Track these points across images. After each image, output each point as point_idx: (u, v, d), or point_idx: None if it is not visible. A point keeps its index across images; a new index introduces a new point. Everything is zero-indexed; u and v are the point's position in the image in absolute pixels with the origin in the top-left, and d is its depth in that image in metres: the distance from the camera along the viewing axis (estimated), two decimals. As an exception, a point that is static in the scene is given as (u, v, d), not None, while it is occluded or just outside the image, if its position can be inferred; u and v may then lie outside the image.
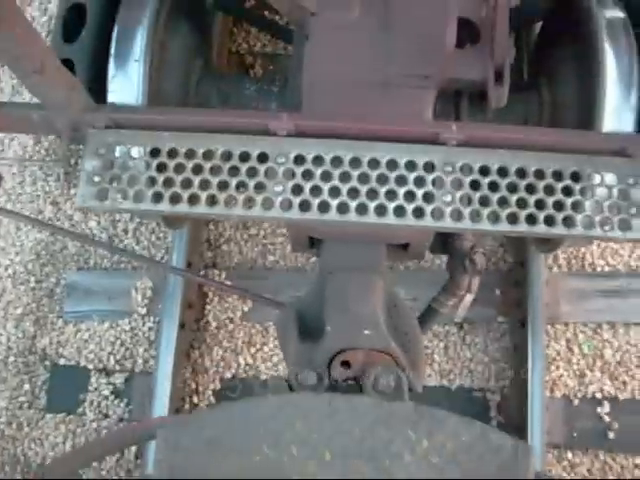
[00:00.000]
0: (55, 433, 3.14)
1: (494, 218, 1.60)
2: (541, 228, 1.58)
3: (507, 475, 1.19)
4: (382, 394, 1.48)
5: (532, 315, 3.00)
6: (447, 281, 1.99)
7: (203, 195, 1.61)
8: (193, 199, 1.62)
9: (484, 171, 1.62)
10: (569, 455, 3.02)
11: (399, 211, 1.60)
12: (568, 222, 1.59)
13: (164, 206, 1.61)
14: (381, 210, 1.60)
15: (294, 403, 1.25)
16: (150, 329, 3.23)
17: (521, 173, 1.62)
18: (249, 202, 1.61)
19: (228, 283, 3.19)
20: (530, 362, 2.95)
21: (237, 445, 1.21)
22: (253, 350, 3.21)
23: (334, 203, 1.60)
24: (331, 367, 1.57)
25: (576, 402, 3.04)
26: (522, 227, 1.59)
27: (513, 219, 1.59)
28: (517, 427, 2.98)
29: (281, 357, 3.18)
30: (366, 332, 1.59)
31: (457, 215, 1.60)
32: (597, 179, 1.62)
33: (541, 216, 1.59)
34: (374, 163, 1.62)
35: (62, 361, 3.23)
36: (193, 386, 3.18)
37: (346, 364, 1.57)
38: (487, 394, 3.12)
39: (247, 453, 1.21)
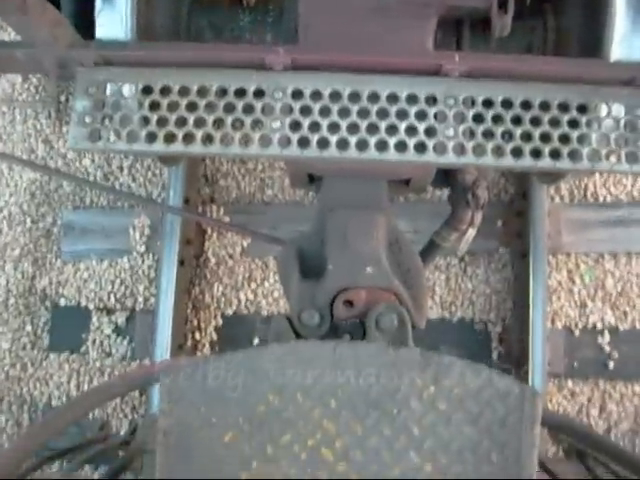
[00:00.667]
0: (59, 372, 3.15)
1: (498, 152, 1.55)
2: (546, 162, 1.54)
3: (515, 420, 1.18)
4: (385, 333, 1.47)
5: (534, 246, 2.98)
6: (449, 215, 1.96)
7: (198, 134, 1.56)
8: (188, 138, 1.57)
9: (488, 104, 1.57)
10: (570, 384, 3.04)
11: (400, 146, 1.55)
12: (574, 155, 1.55)
13: (158, 146, 1.57)
14: (382, 146, 1.55)
15: (298, 351, 1.23)
16: (149, 267, 3.21)
17: (526, 105, 1.57)
18: (246, 139, 1.57)
19: (227, 220, 3.16)
20: (531, 293, 2.94)
21: (241, 395, 1.20)
22: (254, 286, 3.20)
23: (333, 139, 1.55)
24: (334, 306, 1.55)
25: (577, 332, 3.05)
26: (527, 161, 1.55)
27: (517, 153, 1.55)
28: (518, 358, 2.99)
29: (282, 292, 3.16)
30: (368, 270, 1.57)
31: (460, 149, 1.55)
32: (604, 110, 1.57)
33: (546, 149, 1.55)
34: (374, 97, 1.57)
35: (63, 301, 3.23)
36: (195, 323, 3.18)
37: (349, 303, 1.54)
38: (488, 325, 3.12)
39: (252, 403, 1.20)
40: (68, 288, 3.23)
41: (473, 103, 1.57)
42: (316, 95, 1.57)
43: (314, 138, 1.55)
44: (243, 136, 1.57)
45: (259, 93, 1.58)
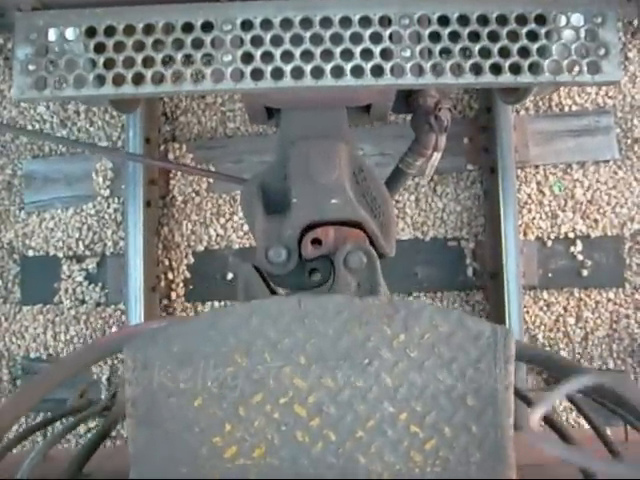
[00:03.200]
0: (34, 324, 3.14)
1: (457, 70, 1.51)
2: (507, 77, 1.51)
3: (488, 361, 1.18)
4: (354, 272, 1.45)
5: (501, 160, 2.98)
6: (413, 141, 1.93)
7: (148, 73, 1.51)
8: (138, 79, 1.51)
9: (443, 21, 1.52)
10: (545, 295, 3.07)
11: (357, 71, 1.51)
12: (535, 69, 1.51)
13: (108, 89, 1.51)
14: (338, 71, 1.51)
15: (263, 309, 1.21)
16: (116, 210, 3.17)
17: (483, 20, 1.52)
18: (198, 75, 1.52)
19: (190, 157, 3.12)
20: (502, 207, 2.94)
21: (208, 357, 1.19)
22: (223, 221, 3.18)
23: (288, 68, 1.51)
24: (302, 246, 1.52)
25: (549, 243, 3.07)
26: (487, 78, 1.51)
27: (477, 70, 1.51)
28: (493, 272, 3.01)
29: (252, 226, 3.14)
30: (333, 201, 1.54)
31: (418, 70, 1.51)
32: (563, 21, 1.53)
33: (506, 64, 1.51)
34: (326, 22, 1.52)
35: (31, 252, 3.19)
36: (166, 263, 3.17)
37: (317, 242, 1.52)
38: (461, 242, 3.13)
39: (220, 365, 1.18)
40: (35, 239, 3.19)
41: (429, 21, 1.52)
42: (267, 24, 1.52)
43: (268, 69, 1.51)
44: (195, 72, 1.52)
45: (207, 26, 1.53)
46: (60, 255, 3.16)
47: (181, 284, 3.15)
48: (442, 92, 1.88)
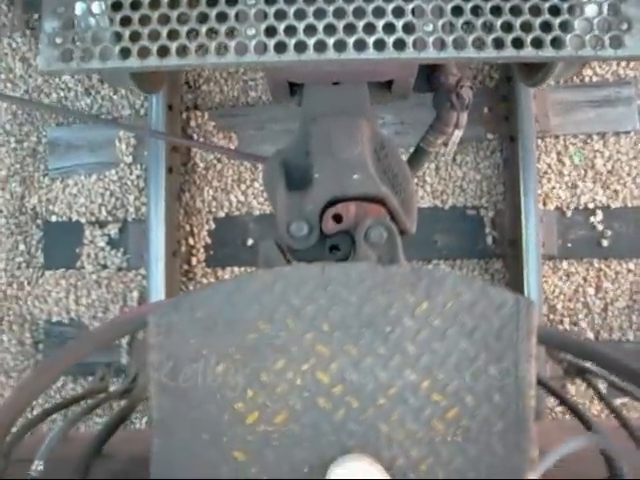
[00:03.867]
0: (57, 289, 3.19)
1: (479, 44, 1.52)
2: (529, 51, 1.51)
3: (511, 331, 1.18)
4: (374, 246, 1.46)
5: (521, 130, 2.97)
6: (434, 119, 1.94)
7: (173, 46, 1.53)
8: (163, 51, 1.53)
9: None
10: (564, 265, 3.08)
11: (379, 44, 1.52)
12: (557, 43, 1.52)
13: (133, 61, 1.53)
14: (360, 45, 1.52)
15: (285, 275, 1.21)
16: (138, 177, 3.21)
17: (505, -6, 1.53)
18: (222, 49, 1.53)
19: (210, 130, 3.16)
20: (522, 176, 2.95)
21: (231, 323, 1.19)
22: (243, 187, 3.21)
23: (311, 42, 1.52)
24: (322, 222, 1.54)
25: (569, 213, 3.08)
26: (509, 52, 1.52)
27: (499, 44, 1.52)
28: (512, 241, 3.03)
29: (272, 193, 3.17)
30: (355, 177, 1.55)
31: (440, 44, 1.52)
32: (585, -5, 1.53)
33: (528, 39, 1.51)
34: (349, -4, 1.53)
35: (54, 218, 3.24)
36: (187, 228, 3.20)
37: (338, 218, 1.53)
38: (481, 211, 3.14)
39: (242, 331, 1.18)
40: (58, 205, 3.24)
41: (451, -4, 1.53)
42: (290, -2, 1.53)
43: (291, 42, 1.52)
44: (218, 45, 1.53)
45: (232, 0, 1.54)
46: (83, 221, 3.21)
47: (202, 249, 3.19)
48: (463, 70, 1.89)
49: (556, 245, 3.06)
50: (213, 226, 3.18)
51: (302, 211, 1.54)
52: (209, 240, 3.17)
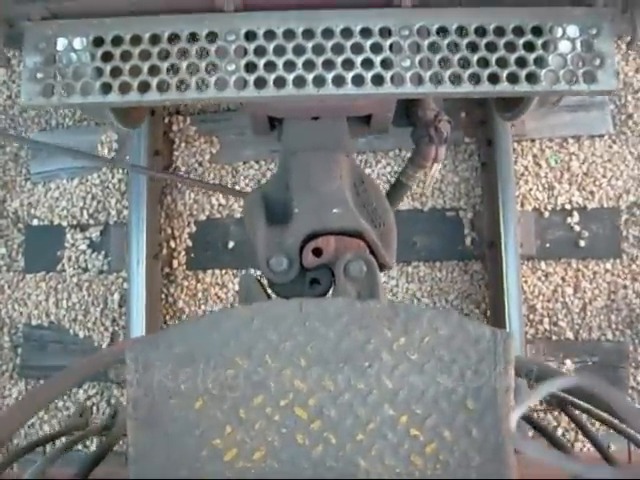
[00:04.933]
0: (37, 292, 3.19)
1: (456, 80, 1.55)
2: (505, 86, 1.54)
3: (488, 364, 1.20)
4: (354, 280, 1.48)
5: (498, 133, 3.00)
6: (412, 153, 1.96)
7: (154, 81, 1.55)
8: (143, 87, 1.55)
9: (442, 32, 1.56)
10: (543, 265, 3.11)
11: (357, 80, 1.54)
12: (532, 78, 1.55)
13: (114, 97, 1.55)
14: (339, 80, 1.54)
15: (264, 312, 1.22)
16: (120, 180, 3.21)
17: (481, 31, 1.56)
18: (202, 84, 1.55)
19: (191, 135, 3.17)
20: (499, 178, 2.97)
21: (209, 359, 1.20)
22: (225, 190, 3.20)
23: (290, 77, 1.54)
24: (302, 255, 1.56)
25: (547, 214, 3.10)
26: (485, 87, 1.55)
27: (476, 79, 1.55)
28: (491, 242, 3.05)
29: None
30: (334, 211, 1.57)
31: (418, 79, 1.55)
32: (559, 32, 1.56)
33: (504, 74, 1.54)
34: (328, 33, 1.55)
35: (35, 222, 3.24)
36: (169, 231, 3.21)
37: (317, 252, 1.55)
38: (460, 213, 3.17)
39: (221, 366, 1.20)
40: (40, 208, 3.24)
41: (428, 32, 1.56)
42: (270, 35, 1.55)
43: (270, 78, 1.54)
44: (199, 81, 1.55)
45: (212, 36, 1.56)
46: (64, 224, 3.21)
47: (183, 252, 3.20)
48: (441, 104, 1.91)
49: (534, 245, 3.09)
50: (194, 229, 3.18)
51: (282, 245, 1.56)
52: (190, 243, 3.17)
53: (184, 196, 3.21)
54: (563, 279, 3.11)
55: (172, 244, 3.20)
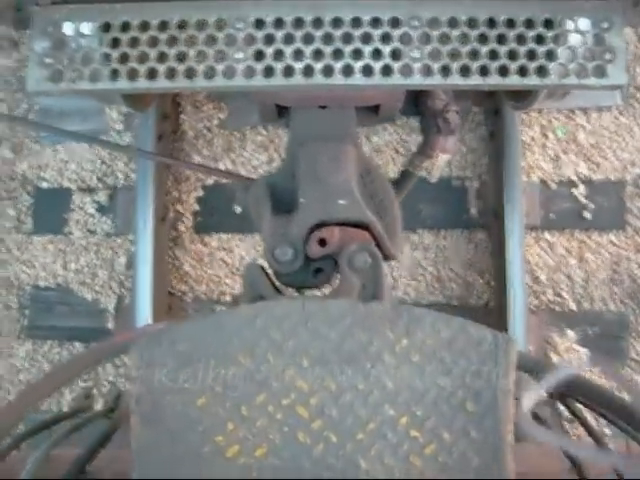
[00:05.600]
0: (44, 254, 3.20)
1: (465, 72, 1.54)
2: (514, 79, 1.54)
3: (489, 367, 1.21)
4: (358, 272, 1.49)
5: (505, 103, 2.98)
6: (421, 142, 1.95)
7: (162, 69, 1.54)
8: (152, 74, 1.55)
9: (452, 23, 1.54)
10: (547, 236, 3.11)
11: (366, 70, 1.54)
12: (541, 72, 1.54)
13: (122, 83, 1.55)
14: (347, 70, 1.54)
15: (267, 311, 1.23)
16: (129, 144, 3.20)
17: (491, 23, 1.54)
18: (210, 72, 1.55)
19: (200, 99, 3.14)
20: (506, 148, 2.97)
21: (213, 357, 1.21)
22: (233, 156, 3.20)
23: (298, 66, 1.54)
24: (307, 246, 1.56)
25: (552, 185, 3.10)
26: (494, 79, 1.54)
27: (484, 72, 1.54)
28: (496, 212, 3.05)
29: (261, 161, 3.18)
30: (340, 202, 1.58)
31: (426, 71, 1.54)
32: (570, 25, 1.54)
33: (513, 67, 1.54)
34: (337, 22, 1.54)
35: (44, 184, 3.24)
36: (176, 195, 3.21)
37: (322, 242, 1.56)
38: (465, 182, 3.16)
39: (224, 365, 1.21)
40: (49, 171, 3.23)
41: (438, 23, 1.54)
42: (278, 23, 1.54)
43: (278, 67, 1.54)
44: (207, 68, 1.55)
45: (220, 24, 1.55)
46: (73, 187, 3.21)
47: (190, 216, 3.21)
48: (450, 95, 1.90)
49: (539, 216, 3.09)
50: (201, 193, 3.19)
51: (287, 235, 1.57)
52: (197, 207, 3.19)
53: (192, 160, 3.21)
54: (567, 250, 3.11)
55: (179, 208, 3.20)
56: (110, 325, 3.12)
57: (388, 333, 1.23)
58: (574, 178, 3.10)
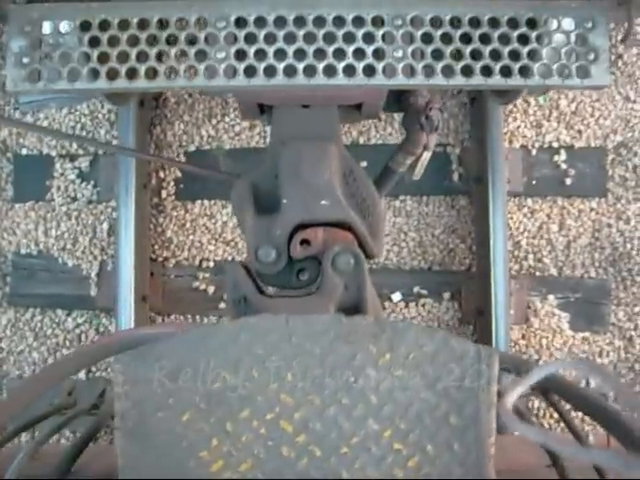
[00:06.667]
0: (26, 221, 3.19)
1: (448, 72, 1.53)
2: (497, 80, 1.53)
3: (471, 381, 1.22)
4: (341, 273, 1.50)
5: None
6: (403, 139, 1.94)
7: (142, 68, 1.52)
8: (132, 73, 1.53)
9: (436, 23, 1.53)
10: (529, 202, 3.13)
11: (349, 70, 1.52)
12: (525, 72, 1.53)
13: (101, 83, 1.53)
14: (330, 70, 1.52)
15: (251, 326, 1.23)
16: (109, 111, 3.17)
17: (475, 22, 1.53)
18: (191, 72, 1.53)
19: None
20: (488, 115, 2.97)
21: (197, 373, 1.22)
22: (214, 122, 3.19)
23: (280, 66, 1.52)
24: (290, 247, 1.56)
25: (534, 151, 3.10)
26: (477, 80, 1.53)
27: (468, 72, 1.53)
28: (478, 178, 3.06)
29: (243, 126, 3.17)
30: (323, 202, 1.58)
31: (410, 71, 1.53)
32: (554, 25, 1.53)
33: (497, 67, 1.53)
34: (320, 21, 1.52)
35: (24, 151, 3.21)
36: (158, 162, 3.18)
37: (306, 243, 1.56)
38: (447, 148, 3.16)
39: (208, 380, 1.21)
40: (29, 138, 3.20)
41: (421, 23, 1.53)
42: (260, 21, 1.52)
43: (261, 66, 1.52)
44: (188, 68, 1.53)
45: (202, 22, 1.53)
46: (53, 154, 3.18)
47: (172, 183, 3.19)
48: (433, 92, 1.88)
49: (521, 182, 3.10)
50: (183, 159, 3.16)
51: (270, 236, 1.57)
52: (179, 173, 3.17)
53: (173, 127, 3.18)
54: (548, 216, 3.13)
55: (161, 174, 3.19)
56: (92, 292, 3.12)
57: (371, 347, 1.24)
58: (556, 145, 3.11)
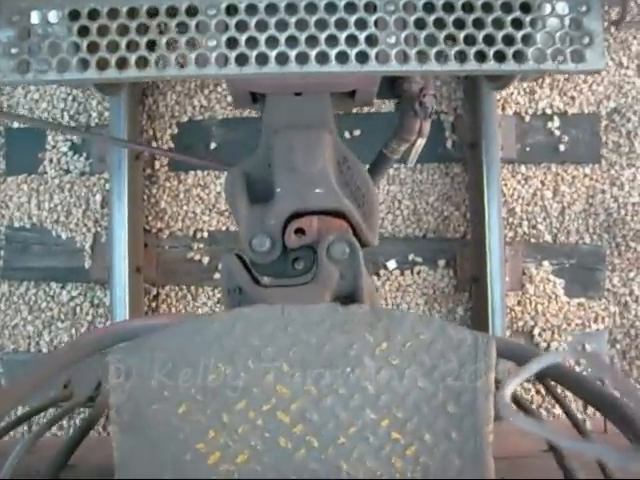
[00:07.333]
0: (19, 194, 3.19)
1: (442, 57, 1.51)
2: (491, 65, 1.51)
3: (469, 369, 1.22)
4: (336, 262, 1.50)
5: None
6: (397, 126, 1.93)
7: (132, 57, 1.50)
8: (122, 63, 1.50)
9: (429, 8, 1.50)
10: (522, 169, 3.14)
11: (342, 57, 1.50)
12: (519, 57, 1.51)
13: (91, 73, 1.50)
14: (323, 57, 1.50)
15: (246, 317, 1.24)
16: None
17: (468, 7, 1.51)
18: (182, 60, 1.51)
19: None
20: (480, 83, 2.96)
21: (192, 365, 1.21)
22: (207, 92, 3.19)
23: (272, 54, 1.50)
24: (285, 236, 1.55)
25: (527, 118, 3.10)
26: (472, 65, 1.51)
27: (462, 57, 1.51)
28: (472, 145, 3.06)
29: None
30: (317, 190, 1.57)
31: (403, 57, 1.51)
32: (548, 9, 1.51)
33: (491, 52, 1.51)
34: (312, 7, 1.50)
35: (16, 124, 3.19)
36: (150, 133, 3.19)
37: (300, 232, 1.55)
38: (441, 116, 3.16)
39: (203, 372, 1.21)
40: (20, 110, 3.18)
41: (414, 8, 1.50)
42: (251, 9, 1.50)
43: (252, 54, 1.50)
44: (179, 57, 1.51)
45: (192, 11, 1.50)
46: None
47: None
48: (427, 78, 1.86)
49: (515, 149, 3.10)
50: (176, 130, 3.15)
51: (264, 225, 1.56)
52: (172, 144, 3.16)
53: (166, 97, 3.17)
54: (542, 183, 3.14)
55: (154, 145, 3.17)
56: (86, 264, 3.12)
57: (368, 336, 1.24)
58: (549, 111, 3.10)
